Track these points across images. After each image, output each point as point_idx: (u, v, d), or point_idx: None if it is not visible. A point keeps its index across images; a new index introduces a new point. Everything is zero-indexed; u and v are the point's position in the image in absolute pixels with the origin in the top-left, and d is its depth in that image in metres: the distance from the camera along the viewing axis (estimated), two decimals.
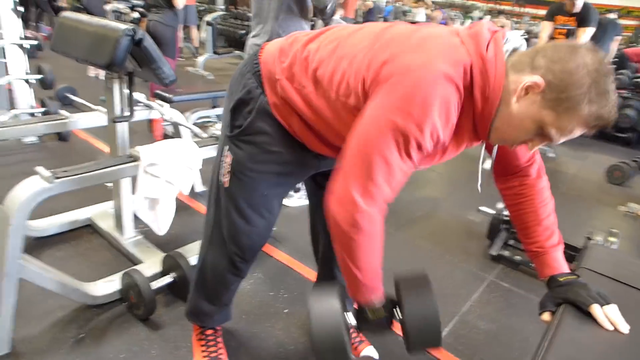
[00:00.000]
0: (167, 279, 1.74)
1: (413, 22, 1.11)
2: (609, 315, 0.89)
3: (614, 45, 5.55)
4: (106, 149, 2.73)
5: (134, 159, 1.68)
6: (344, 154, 0.93)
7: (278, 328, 1.72)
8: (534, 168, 1.14)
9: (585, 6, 3.92)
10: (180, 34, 5.56)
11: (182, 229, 2.27)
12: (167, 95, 3.07)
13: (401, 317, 0.94)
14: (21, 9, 3.25)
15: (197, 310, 1.45)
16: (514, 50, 0.93)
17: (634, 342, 0.86)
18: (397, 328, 1.00)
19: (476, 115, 0.91)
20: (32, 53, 4.56)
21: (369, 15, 9.30)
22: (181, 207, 2.49)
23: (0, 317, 1.42)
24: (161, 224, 1.80)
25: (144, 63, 1.70)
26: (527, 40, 1.03)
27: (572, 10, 3.93)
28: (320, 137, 1.11)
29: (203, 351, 1.48)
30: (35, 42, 3.63)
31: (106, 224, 2.16)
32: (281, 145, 1.14)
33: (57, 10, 6.28)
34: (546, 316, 0.98)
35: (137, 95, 2.04)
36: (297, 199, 2.76)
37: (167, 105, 2.42)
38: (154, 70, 1.70)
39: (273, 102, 1.10)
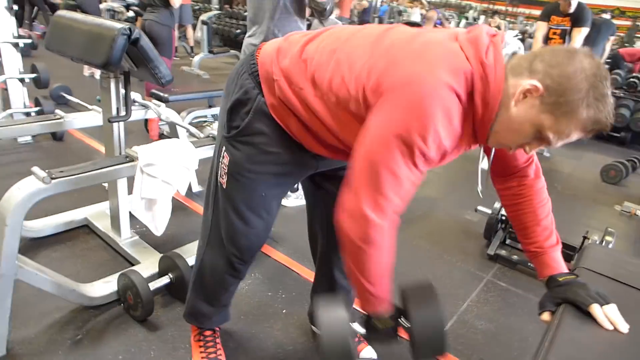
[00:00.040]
0: (165, 280, 1.73)
1: (409, 23, 1.10)
2: (608, 315, 0.90)
3: (608, 45, 5.60)
4: (102, 148, 2.71)
5: (131, 159, 1.67)
6: (351, 168, 0.94)
7: (277, 328, 1.72)
8: (532, 168, 1.14)
9: (580, 6, 3.94)
10: (176, 33, 5.53)
11: (178, 229, 2.27)
12: (163, 94, 3.06)
13: (409, 326, 0.95)
14: (15, 7, 3.22)
15: (196, 311, 1.45)
16: (513, 53, 0.93)
17: (633, 341, 0.86)
18: (401, 332, 1.01)
19: (476, 120, 0.91)
20: (26, 52, 4.53)
21: (364, 14, 9.30)
22: (178, 208, 2.49)
23: None
24: (158, 224, 1.79)
25: (141, 62, 1.69)
26: (521, 40, 1.04)
27: (567, 11, 3.96)
28: (318, 138, 1.11)
29: (201, 352, 1.47)
30: (29, 41, 3.60)
31: (103, 225, 2.15)
32: (279, 146, 1.13)
33: (53, 7, 6.24)
34: (546, 316, 0.99)
35: (133, 95, 2.02)
36: (295, 199, 2.75)
37: (163, 104, 2.41)
38: (150, 70, 1.68)
39: (270, 102, 1.09)
